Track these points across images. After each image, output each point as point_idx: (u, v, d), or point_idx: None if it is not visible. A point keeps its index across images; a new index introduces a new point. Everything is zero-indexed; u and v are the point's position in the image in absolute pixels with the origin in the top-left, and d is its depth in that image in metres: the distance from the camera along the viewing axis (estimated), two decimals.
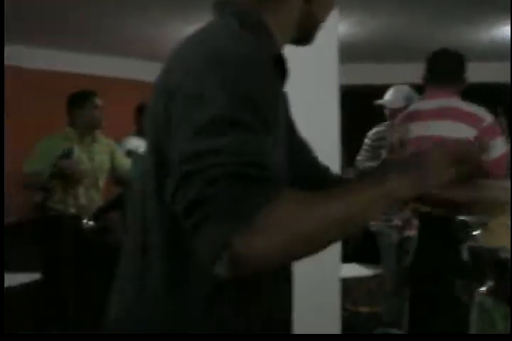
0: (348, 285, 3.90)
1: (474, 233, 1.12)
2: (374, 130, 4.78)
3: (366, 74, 6.66)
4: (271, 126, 1.00)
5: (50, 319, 4.18)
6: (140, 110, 5.37)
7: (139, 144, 5.24)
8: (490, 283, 0.93)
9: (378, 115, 4.70)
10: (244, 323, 1.13)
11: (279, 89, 1.13)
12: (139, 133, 5.37)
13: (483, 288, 0.92)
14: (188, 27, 5.34)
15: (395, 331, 3.49)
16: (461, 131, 2.99)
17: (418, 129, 3.14)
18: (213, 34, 1.09)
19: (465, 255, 1.32)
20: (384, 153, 3.71)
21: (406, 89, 4.51)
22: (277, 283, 1.21)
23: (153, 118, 1.10)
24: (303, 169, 1.37)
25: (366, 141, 4.77)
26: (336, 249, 3.34)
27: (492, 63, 6.62)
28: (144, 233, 1.13)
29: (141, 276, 1.13)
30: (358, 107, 5.67)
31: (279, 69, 1.13)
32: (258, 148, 0.95)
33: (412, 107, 3.39)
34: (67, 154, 4.14)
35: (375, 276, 4.45)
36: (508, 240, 1.11)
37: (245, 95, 0.97)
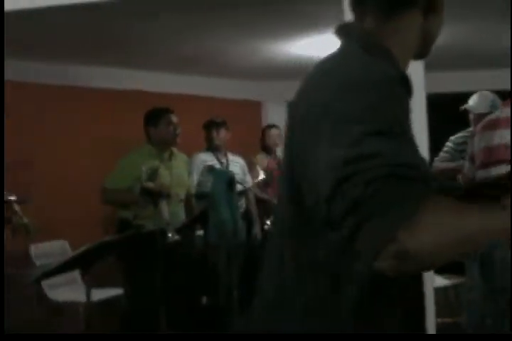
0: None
1: None
2: (458, 135, 4.78)
3: (448, 82, 6.58)
4: (408, 134, 1.11)
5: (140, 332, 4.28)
6: (208, 126, 5.47)
7: (209, 159, 5.37)
8: None
9: (462, 122, 4.70)
10: (393, 324, 1.22)
11: (408, 105, 1.20)
12: (209, 148, 5.48)
13: None
14: (252, 44, 5.43)
15: None
16: None
17: (499, 137, 3.11)
18: (345, 60, 1.22)
19: None
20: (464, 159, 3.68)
21: (490, 95, 4.47)
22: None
23: (293, 135, 1.21)
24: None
25: (448, 143, 4.78)
26: None
27: None
28: (283, 235, 1.25)
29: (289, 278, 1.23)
30: (442, 115, 5.67)
31: (405, 87, 1.21)
32: (409, 152, 1.05)
33: (494, 115, 3.35)
34: (152, 173, 4.26)
35: (454, 286, 4.42)
36: None
37: (391, 111, 1.09)
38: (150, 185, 4.21)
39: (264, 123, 7.27)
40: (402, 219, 0.96)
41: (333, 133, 1.08)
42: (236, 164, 5.52)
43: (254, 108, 7.57)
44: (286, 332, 1.21)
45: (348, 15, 3.04)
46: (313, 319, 1.20)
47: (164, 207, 4.25)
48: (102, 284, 4.31)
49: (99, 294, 4.37)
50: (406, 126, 1.11)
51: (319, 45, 5.44)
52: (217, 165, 5.35)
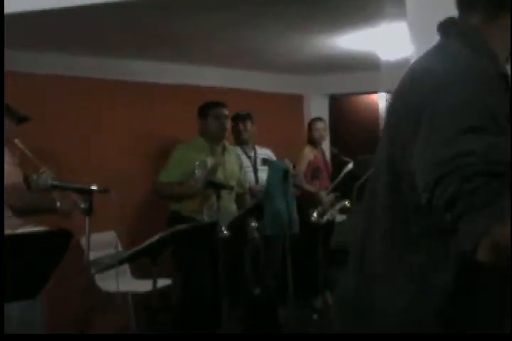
0: None
1: None
2: None
3: None
4: (508, 131, 1.16)
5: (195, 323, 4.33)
6: (234, 120, 5.43)
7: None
8: None
9: None
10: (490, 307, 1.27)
11: (507, 101, 1.25)
12: (237, 142, 5.47)
13: None
14: (297, 38, 5.44)
15: None
16: None
17: None
18: (449, 57, 1.27)
19: None
20: None
21: None
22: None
23: (394, 127, 1.29)
24: None
25: None
26: None
27: None
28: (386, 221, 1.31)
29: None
30: None
31: (505, 85, 1.27)
32: (503, 149, 1.10)
33: None
34: (214, 167, 4.32)
35: None
36: None
37: (487, 107, 1.14)
38: (215, 178, 4.27)
39: (306, 116, 7.30)
40: (497, 215, 1.03)
41: (433, 129, 1.15)
42: (265, 157, 5.50)
43: (296, 101, 7.60)
44: (382, 307, 1.27)
45: (410, 10, 3.05)
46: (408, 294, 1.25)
47: (225, 200, 4.30)
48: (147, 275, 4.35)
49: (145, 285, 4.41)
50: (503, 122, 1.16)
51: (364, 39, 5.45)
52: (246, 159, 5.32)
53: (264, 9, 4.46)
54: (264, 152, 5.55)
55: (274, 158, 5.51)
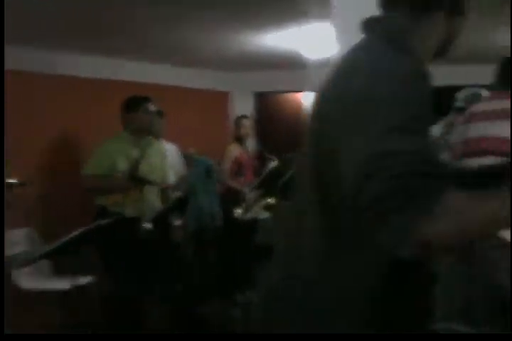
0: None
1: None
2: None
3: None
4: (428, 128, 1.18)
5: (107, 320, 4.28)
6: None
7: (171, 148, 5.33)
8: None
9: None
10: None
11: (429, 98, 1.26)
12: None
13: None
14: (224, 35, 5.44)
15: (462, 328, 3.52)
16: None
17: (479, 129, 3.20)
18: (372, 55, 1.27)
19: None
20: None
21: (474, 89, 4.56)
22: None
23: (320, 124, 1.28)
24: None
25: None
26: None
27: None
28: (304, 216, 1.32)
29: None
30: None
31: (426, 83, 1.27)
32: (426, 148, 1.12)
33: (474, 108, 3.45)
34: (137, 161, 4.27)
35: None
36: None
37: (413, 106, 1.15)
38: (138, 171, 4.22)
39: (232, 113, 7.30)
40: (424, 213, 1.06)
41: (361, 127, 1.14)
42: (170, 152, 5.41)
43: (222, 98, 7.59)
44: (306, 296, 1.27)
45: (335, 10, 3.10)
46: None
47: (149, 194, 4.26)
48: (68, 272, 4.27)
49: (65, 282, 4.32)
50: (428, 120, 1.19)
51: (289, 37, 5.49)
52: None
53: (190, 6, 4.44)
54: (170, 148, 5.51)
55: (178, 154, 5.48)
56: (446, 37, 1.37)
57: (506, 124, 3.10)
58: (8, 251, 4.79)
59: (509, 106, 3.16)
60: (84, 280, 4.41)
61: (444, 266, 3.63)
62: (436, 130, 4.83)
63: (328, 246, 1.26)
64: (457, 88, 4.68)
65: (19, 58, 5.35)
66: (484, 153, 3.06)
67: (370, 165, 1.11)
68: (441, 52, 1.41)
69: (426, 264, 1.29)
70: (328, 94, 1.29)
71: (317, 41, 5.22)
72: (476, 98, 4.29)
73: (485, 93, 3.84)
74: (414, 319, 1.30)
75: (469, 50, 5.92)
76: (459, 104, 4.53)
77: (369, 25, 1.36)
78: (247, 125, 6.29)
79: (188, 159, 4.86)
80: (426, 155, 1.11)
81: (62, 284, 4.18)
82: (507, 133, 3.05)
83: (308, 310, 1.26)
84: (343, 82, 1.26)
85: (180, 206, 4.38)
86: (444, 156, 3.62)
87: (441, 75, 6.90)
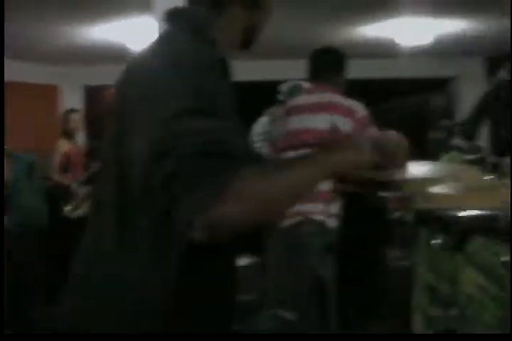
0: None
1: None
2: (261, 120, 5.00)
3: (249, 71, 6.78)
4: (227, 114, 1.18)
5: None
6: None
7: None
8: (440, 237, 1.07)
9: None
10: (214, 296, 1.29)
11: (229, 86, 1.29)
12: None
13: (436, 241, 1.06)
14: (52, 27, 5.27)
15: (284, 313, 3.62)
16: (338, 123, 3.16)
17: (298, 122, 3.29)
18: (173, 44, 1.27)
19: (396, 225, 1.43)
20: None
21: (294, 82, 4.67)
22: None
23: (116, 117, 1.27)
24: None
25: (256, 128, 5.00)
26: None
27: (374, 60, 6.98)
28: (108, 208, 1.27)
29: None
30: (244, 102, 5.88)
31: (226, 71, 1.31)
32: (221, 130, 1.12)
33: (293, 101, 3.55)
34: None
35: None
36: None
37: (207, 91, 1.15)
38: None
39: (61, 108, 7.08)
40: (213, 193, 1.04)
41: (153, 109, 1.14)
42: None
43: (50, 92, 7.34)
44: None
45: (157, 4, 3.08)
46: (134, 290, 1.22)
47: None
48: None
49: None
50: (227, 107, 1.19)
51: (121, 29, 5.41)
52: None
53: None
54: None
55: None
56: (248, 30, 1.39)
57: (324, 116, 3.22)
58: None
59: (326, 99, 3.30)
60: None
61: (266, 254, 3.73)
62: (261, 123, 4.96)
63: (123, 236, 1.24)
64: (282, 81, 4.79)
65: None
66: (304, 145, 3.14)
67: (162, 146, 1.10)
68: (246, 45, 1.43)
69: (225, 248, 1.28)
70: (127, 83, 1.28)
71: (142, 34, 5.18)
72: (296, 91, 4.41)
73: (306, 86, 3.97)
74: (217, 307, 1.29)
75: (295, 44, 6.14)
76: (281, 96, 4.64)
77: (172, 15, 1.36)
78: (76, 119, 6.11)
79: (6, 156, 4.60)
80: (220, 136, 1.10)
81: None
82: (325, 126, 3.15)
83: (108, 301, 1.23)
84: (141, 69, 1.26)
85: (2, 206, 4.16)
86: (267, 149, 3.71)
87: (270, 69, 7.12)
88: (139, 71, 1.26)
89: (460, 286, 1.06)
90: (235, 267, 1.37)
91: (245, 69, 6.64)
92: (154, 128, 1.12)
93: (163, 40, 1.31)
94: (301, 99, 3.47)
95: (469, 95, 7.64)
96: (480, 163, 3.04)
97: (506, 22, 6.01)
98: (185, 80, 1.16)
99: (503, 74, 1.33)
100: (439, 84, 8.04)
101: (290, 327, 3.40)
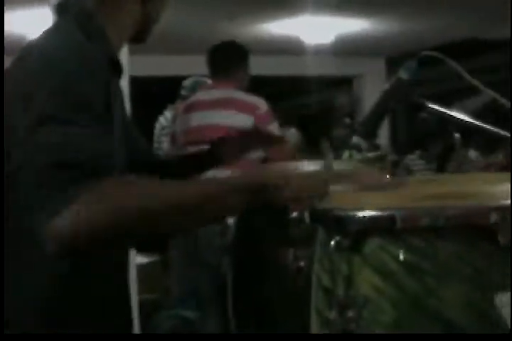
0: None
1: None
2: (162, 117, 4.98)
3: (153, 66, 6.68)
4: (103, 117, 1.12)
5: None
6: None
7: None
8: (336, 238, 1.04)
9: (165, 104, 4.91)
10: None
11: (112, 86, 1.22)
12: None
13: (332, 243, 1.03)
14: None
15: (189, 313, 3.58)
16: (239, 120, 3.14)
17: (199, 118, 3.25)
18: (53, 40, 1.21)
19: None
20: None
21: (195, 79, 4.65)
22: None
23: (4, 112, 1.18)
24: (139, 154, 1.54)
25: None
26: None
27: (279, 57, 6.98)
28: None
29: None
30: (147, 97, 5.81)
31: (115, 69, 1.26)
32: (85, 139, 1.06)
33: (194, 97, 3.51)
34: None
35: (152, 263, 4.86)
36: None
37: (83, 95, 1.09)
38: None
39: None
40: (60, 205, 0.99)
41: (21, 112, 1.09)
42: None
43: None
44: None
45: None
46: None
47: None
48: None
49: None
50: (104, 109, 1.13)
51: (24, 21, 5.24)
52: None
53: None
54: None
55: None
56: (142, 22, 1.34)
57: (226, 113, 3.19)
58: None
59: (227, 94, 3.26)
60: None
61: (172, 252, 3.68)
62: (163, 118, 4.93)
63: (4, 241, 1.19)
64: (174, 78, 4.80)
65: None
66: (205, 142, 3.11)
67: (23, 155, 1.06)
68: (140, 38, 1.39)
69: (105, 258, 1.23)
70: (9, 78, 1.21)
71: (43, 25, 5.01)
72: (198, 87, 4.40)
73: (209, 82, 3.94)
74: (107, 308, 1.26)
75: (202, 40, 6.08)
76: (183, 92, 4.62)
77: (60, 8, 1.30)
78: None
79: None
80: (80, 146, 1.04)
81: None
82: (227, 122, 3.12)
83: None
84: (19, 64, 1.20)
85: None
86: (169, 146, 3.65)
87: (177, 64, 7.04)
88: (18, 65, 1.21)
89: (356, 288, 1.03)
90: (122, 267, 1.33)
91: (151, 65, 6.65)
92: (19, 135, 1.08)
93: (49, 33, 1.25)
94: (202, 95, 3.43)
95: (373, 94, 7.84)
96: (379, 161, 3.07)
97: (406, 23, 6.18)
98: (58, 81, 1.10)
99: (401, 73, 1.34)
100: (344, 83, 8.18)
101: (191, 326, 3.36)
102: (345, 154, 4.32)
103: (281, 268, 1.79)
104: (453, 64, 1.36)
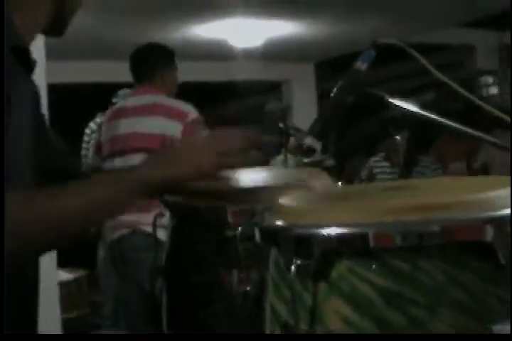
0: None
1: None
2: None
3: (72, 73, 6.42)
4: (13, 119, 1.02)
5: None
6: None
7: None
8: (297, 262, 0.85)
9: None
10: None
11: (19, 80, 1.12)
12: None
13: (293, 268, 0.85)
14: None
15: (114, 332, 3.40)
16: (167, 127, 2.99)
17: (124, 126, 3.07)
18: None
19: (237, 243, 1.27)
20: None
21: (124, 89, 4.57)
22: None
23: None
24: (57, 160, 1.43)
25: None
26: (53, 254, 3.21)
27: (207, 62, 6.81)
28: None
29: None
30: (66, 105, 5.74)
31: (23, 60, 1.15)
32: None
33: (119, 104, 3.35)
34: None
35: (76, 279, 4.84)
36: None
37: None
38: None
39: None
40: None
41: None
42: None
43: None
44: None
45: None
46: None
47: None
48: None
49: None
50: (12, 111, 1.02)
51: None
52: None
53: None
54: None
55: None
56: (56, 12, 1.24)
57: (153, 119, 3.02)
58: None
59: (152, 100, 3.08)
60: None
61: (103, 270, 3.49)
62: (92, 126, 4.85)
63: None
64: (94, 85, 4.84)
65: None
66: (134, 150, 2.95)
67: None
68: (56, 30, 1.29)
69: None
70: None
71: None
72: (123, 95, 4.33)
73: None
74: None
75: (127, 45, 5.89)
76: (116, 99, 4.54)
77: None
78: None
79: None
80: None
81: None
82: (154, 130, 2.98)
83: None
84: None
85: None
86: (93, 156, 3.44)
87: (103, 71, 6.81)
88: None
89: (324, 322, 0.85)
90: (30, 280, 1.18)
91: (82, 71, 6.40)
92: None
93: None
94: (127, 102, 3.24)
95: (302, 99, 7.78)
96: (316, 166, 2.93)
97: (334, 27, 6.12)
98: None
99: (358, 64, 1.26)
100: (274, 88, 8.08)
101: None
102: (278, 159, 4.22)
103: (224, 291, 1.60)
104: (413, 53, 1.23)
